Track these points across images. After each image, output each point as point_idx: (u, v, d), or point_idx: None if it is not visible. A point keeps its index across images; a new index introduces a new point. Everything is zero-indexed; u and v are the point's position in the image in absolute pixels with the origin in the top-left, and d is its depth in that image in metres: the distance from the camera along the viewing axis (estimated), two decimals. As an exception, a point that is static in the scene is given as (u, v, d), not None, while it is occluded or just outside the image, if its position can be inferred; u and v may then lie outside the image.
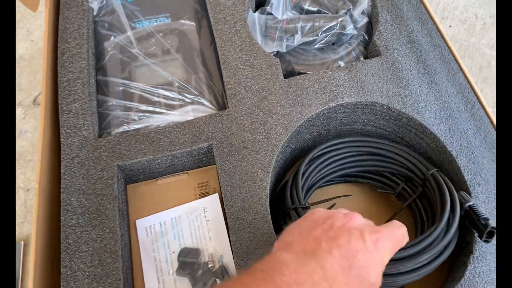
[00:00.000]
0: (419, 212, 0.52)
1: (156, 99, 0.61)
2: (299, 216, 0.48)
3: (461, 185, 0.51)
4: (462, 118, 0.56)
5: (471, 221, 0.46)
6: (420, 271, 0.43)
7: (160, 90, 0.62)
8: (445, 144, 0.54)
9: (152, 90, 0.62)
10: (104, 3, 0.70)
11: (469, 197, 0.48)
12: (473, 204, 0.46)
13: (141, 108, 0.60)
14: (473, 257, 0.46)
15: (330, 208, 0.50)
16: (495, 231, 0.44)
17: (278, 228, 0.50)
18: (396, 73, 0.61)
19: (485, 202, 0.49)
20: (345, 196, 0.50)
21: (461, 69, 0.62)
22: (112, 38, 0.67)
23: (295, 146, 0.59)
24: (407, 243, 0.39)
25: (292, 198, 0.50)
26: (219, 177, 0.53)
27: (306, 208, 0.48)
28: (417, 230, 0.52)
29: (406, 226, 0.52)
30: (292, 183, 0.51)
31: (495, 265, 0.45)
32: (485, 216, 0.45)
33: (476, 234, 0.46)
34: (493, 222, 0.45)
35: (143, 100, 0.61)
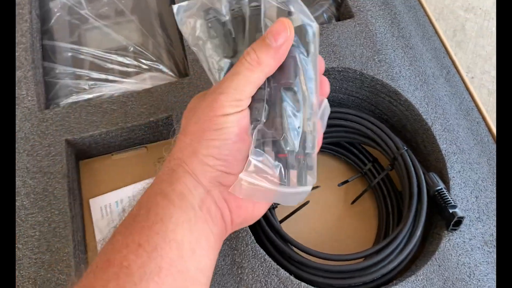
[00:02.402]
0: (383, 195, 0.50)
1: (109, 65, 0.56)
2: (265, 216, 0.44)
3: (436, 155, 0.49)
4: (437, 84, 0.53)
5: (438, 207, 0.44)
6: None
7: (114, 56, 0.56)
8: (420, 111, 0.51)
9: (104, 56, 0.56)
10: (47, -43, 0.62)
11: (438, 180, 0.45)
12: (441, 189, 0.44)
13: (93, 76, 0.55)
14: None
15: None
16: (462, 220, 0.42)
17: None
18: (369, 36, 0.57)
19: (460, 172, 0.47)
20: (305, 205, 0.48)
21: (436, 32, 0.59)
22: (57, -3, 0.60)
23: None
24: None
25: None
26: (180, 151, 0.48)
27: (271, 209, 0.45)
28: (380, 215, 0.50)
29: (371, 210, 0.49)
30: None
31: (469, 236, 0.44)
32: (452, 203, 0.43)
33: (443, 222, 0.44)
34: (461, 210, 0.44)
35: (95, 67, 0.55)
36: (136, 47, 0.57)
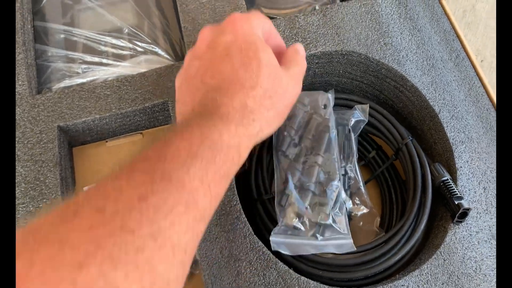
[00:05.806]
0: (387, 185, 0.48)
1: (103, 48, 0.53)
2: (265, 208, 0.43)
3: (443, 143, 0.47)
4: (446, 68, 0.51)
5: (443, 199, 0.42)
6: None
7: (108, 38, 0.54)
8: (427, 98, 0.49)
9: (98, 38, 0.54)
10: None
11: (444, 170, 0.43)
12: (447, 179, 0.42)
13: (86, 59, 0.52)
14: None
15: None
16: (468, 212, 0.40)
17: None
18: (375, 17, 0.54)
19: (468, 162, 0.45)
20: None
21: (445, 13, 0.56)
22: (49, -25, 0.57)
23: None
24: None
25: (257, 187, 0.44)
26: (177, 138, 0.47)
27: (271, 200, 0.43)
28: (384, 205, 0.48)
29: (374, 199, 0.50)
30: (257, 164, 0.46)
31: (475, 229, 0.42)
32: (458, 195, 0.41)
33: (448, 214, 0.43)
34: (467, 201, 0.42)
35: (88, 49, 0.53)
36: (131, 28, 0.54)
